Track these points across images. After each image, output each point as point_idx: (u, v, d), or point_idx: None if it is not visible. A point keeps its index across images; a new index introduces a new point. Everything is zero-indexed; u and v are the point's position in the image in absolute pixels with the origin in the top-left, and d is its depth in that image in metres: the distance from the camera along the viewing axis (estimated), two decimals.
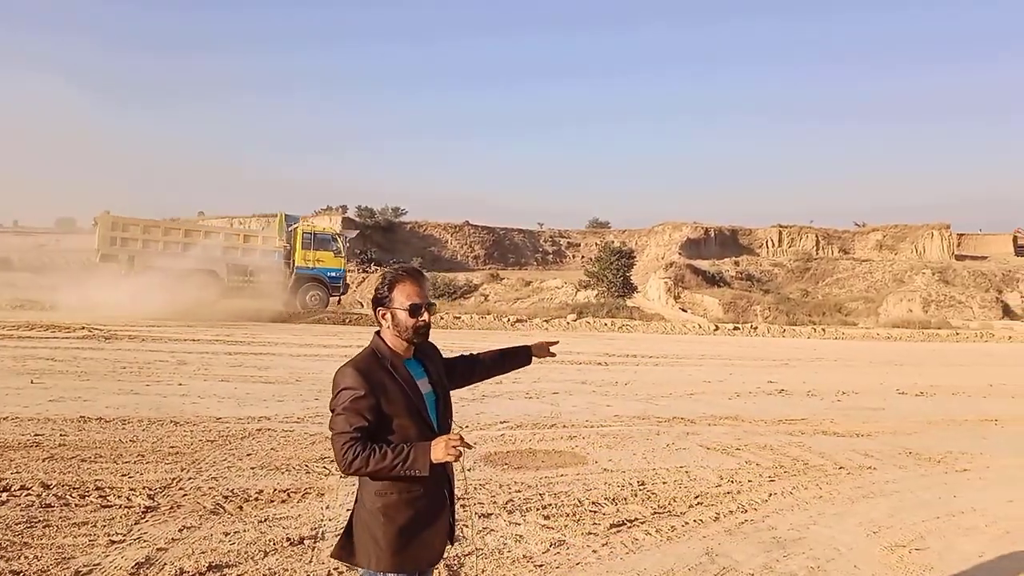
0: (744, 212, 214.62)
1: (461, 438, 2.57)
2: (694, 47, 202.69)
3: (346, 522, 2.77)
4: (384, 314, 2.78)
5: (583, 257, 73.04)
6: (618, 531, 5.51)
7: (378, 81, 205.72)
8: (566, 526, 5.55)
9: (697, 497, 6.53)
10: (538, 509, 5.94)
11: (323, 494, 6.10)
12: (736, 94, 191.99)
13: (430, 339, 2.91)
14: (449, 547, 2.92)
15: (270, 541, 4.94)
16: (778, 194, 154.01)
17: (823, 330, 37.40)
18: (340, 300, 31.77)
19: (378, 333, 2.82)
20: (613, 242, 61.55)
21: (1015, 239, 72.92)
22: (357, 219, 69.34)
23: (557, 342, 3.47)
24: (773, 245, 72.30)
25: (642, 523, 5.69)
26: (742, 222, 74.92)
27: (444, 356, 3.10)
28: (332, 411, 2.65)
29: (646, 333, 31.96)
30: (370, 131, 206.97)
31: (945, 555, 5.31)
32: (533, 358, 3.39)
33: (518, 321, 31.91)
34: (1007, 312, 53.93)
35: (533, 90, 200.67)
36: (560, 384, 13.64)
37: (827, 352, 24.80)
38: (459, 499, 3.30)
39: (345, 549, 2.70)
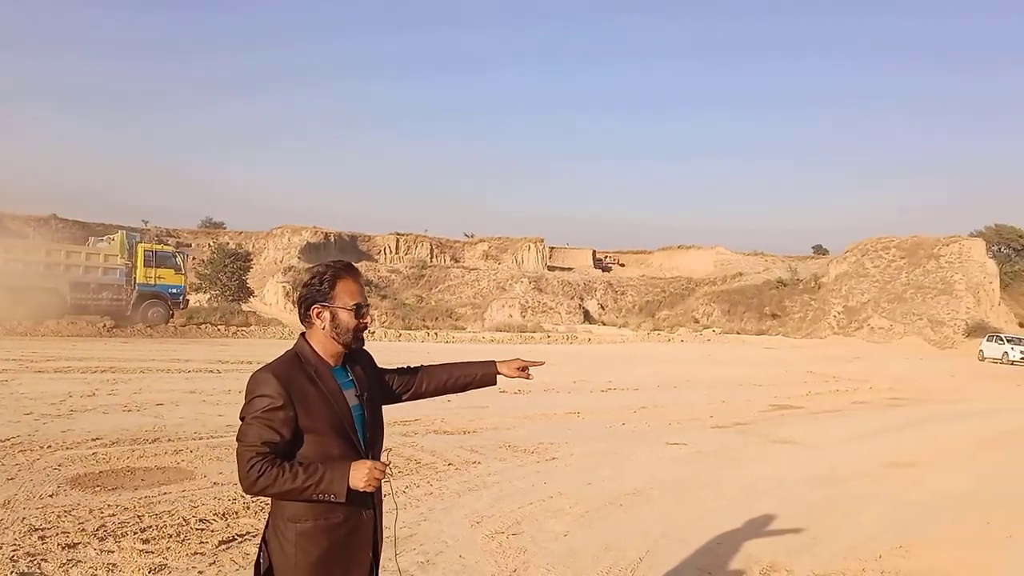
0: (364, 218, 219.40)
1: (385, 467, 2.31)
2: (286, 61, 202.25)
3: (258, 548, 2.45)
4: (320, 313, 2.46)
5: (195, 259, 68.75)
6: (228, 547, 5.19)
7: None
8: (169, 548, 5.09)
9: None
10: (136, 533, 5.37)
11: None
12: (347, 103, 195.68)
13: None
14: None
15: None
16: (396, 202, 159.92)
17: (436, 334, 39.56)
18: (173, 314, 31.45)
19: (303, 335, 2.50)
20: (228, 244, 58.80)
21: (594, 253, 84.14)
22: None
23: (542, 363, 3.01)
24: (391, 252, 74.76)
25: (254, 536, 5.43)
26: (362, 228, 76.33)
27: (379, 366, 2.78)
28: (242, 419, 2.33)
29: (263, 338, 30.98)
30: None
31: (537, 537, 5.86)
32: (499, 377, 2.95)
33: (115, 327, 28.90)
34: (587, 317, 62.08)
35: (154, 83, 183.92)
36: (165, 394, 12.60)
37: (440, 355, 26.22)
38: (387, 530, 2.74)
39: None
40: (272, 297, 51.08)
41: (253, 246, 68.98)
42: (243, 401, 2.38)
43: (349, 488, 2.25)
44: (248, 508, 6.18)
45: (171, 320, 31.12)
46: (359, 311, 2.49)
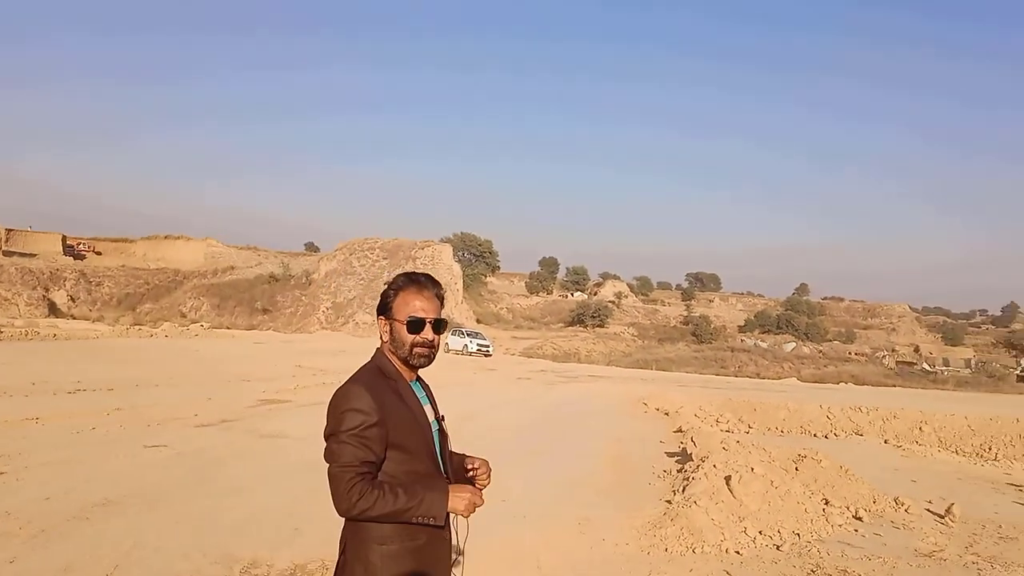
0: None
1: (482, 493, 2.31)
2: None
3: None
4: (383, 325, 2.40)
5: None
6: None
7: None
8: None
9: None
10: None
11: None
12: None
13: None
14: None
15: None
16: None
17: None
18: None
19: (380, 349, 2.42)
20: None
21: (64, 239, 74.83)
22: None
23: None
24: None
25: None
26: None
27: None
28: (330, 436, 2.24)
29: None
30: None
31: None
32: None
33: None
34: (54, 310, 54.88)
35: None
36: None
37: None
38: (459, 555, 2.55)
39: None
40: None
41: None
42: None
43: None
44: None
45: None
46: (414, 326, 2.33)
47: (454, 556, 2.48)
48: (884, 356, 62.26)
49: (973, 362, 61.07)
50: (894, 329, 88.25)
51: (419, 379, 2.51)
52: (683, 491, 7.77)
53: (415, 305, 2.37)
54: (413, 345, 2.36)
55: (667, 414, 17.10)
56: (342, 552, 2.39)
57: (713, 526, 6.92)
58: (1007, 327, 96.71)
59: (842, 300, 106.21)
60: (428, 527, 2.27)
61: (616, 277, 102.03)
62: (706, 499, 7.37)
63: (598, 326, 70.49)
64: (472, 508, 2.28)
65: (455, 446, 2.62)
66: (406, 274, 2.49)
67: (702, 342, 62.42)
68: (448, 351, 41.50)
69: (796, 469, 9.25)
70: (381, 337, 2.44)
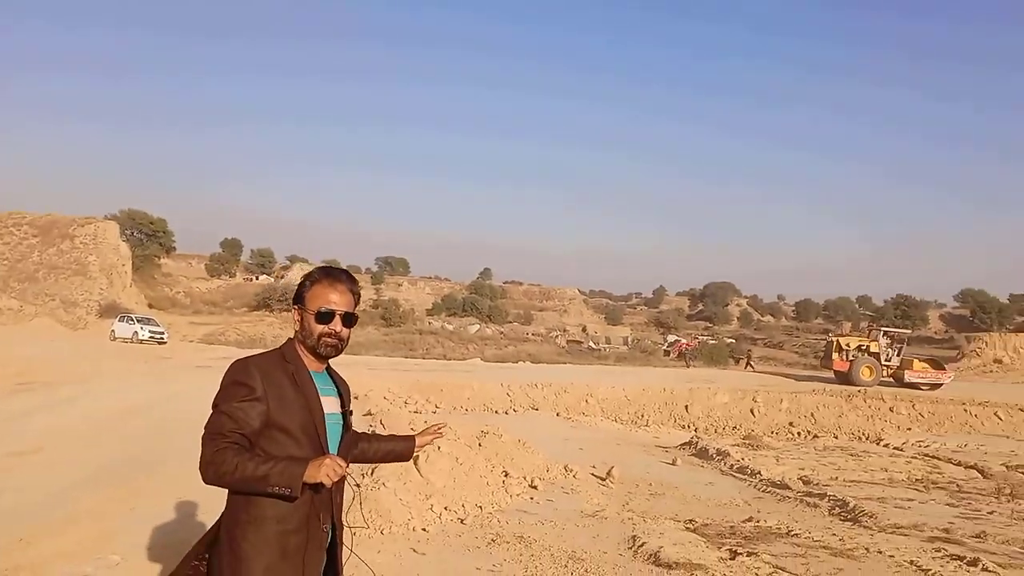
0: None
1: (346, 464, 2.27)
2: None
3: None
4: (296, 315, 2.51)
5: None
6: None
7: None
8: None
9: None
10: None
11: None
12: None
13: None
14: None
15: None
16: None
17: None
18: None
19: (292, 338, 2.53)
20: None
21: None
22: None
23: (444, 425, 3.24)
24: None
25: None
26: None
27: None
28: (213, 407, 2.34)
29: None
30: None
31: None
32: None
33: None
34: None
35: None
36: None
37: None
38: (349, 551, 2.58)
39: None
40: None
41: None
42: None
43: (306, 485, 2.18)
44: None
45: None
46: (322, 317, 2.42)
47: (341, 562, 2.54)
48: (557, 336, 67.72)
49: (629, 339, 68.59)
50: (566, 311, 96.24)
51: (330, 371, 2.59)
52: (371, 474, 7.76)
53: (327, 297, 2.46)
54: (320, 335, 2.45)
55: (356, 397, 17.07)
56: (215, 530, 2.41)
57: (401, 506, 7.00)
58: (656, 308, 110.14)
59: (521, 284, 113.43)
60: (299, 512, 2.30)
61: (304, 260, 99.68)
62: (394, 480, 7.43)
63: (285, 310, 68.41)
64: (329, 475, 2.20)
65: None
66: (322, 268, 2.59)
67: (391, 325, 63.15)
68: (115, 339, 37.79)
69: (479, 445, 9.68)
70: (293, 326, 2.54)
